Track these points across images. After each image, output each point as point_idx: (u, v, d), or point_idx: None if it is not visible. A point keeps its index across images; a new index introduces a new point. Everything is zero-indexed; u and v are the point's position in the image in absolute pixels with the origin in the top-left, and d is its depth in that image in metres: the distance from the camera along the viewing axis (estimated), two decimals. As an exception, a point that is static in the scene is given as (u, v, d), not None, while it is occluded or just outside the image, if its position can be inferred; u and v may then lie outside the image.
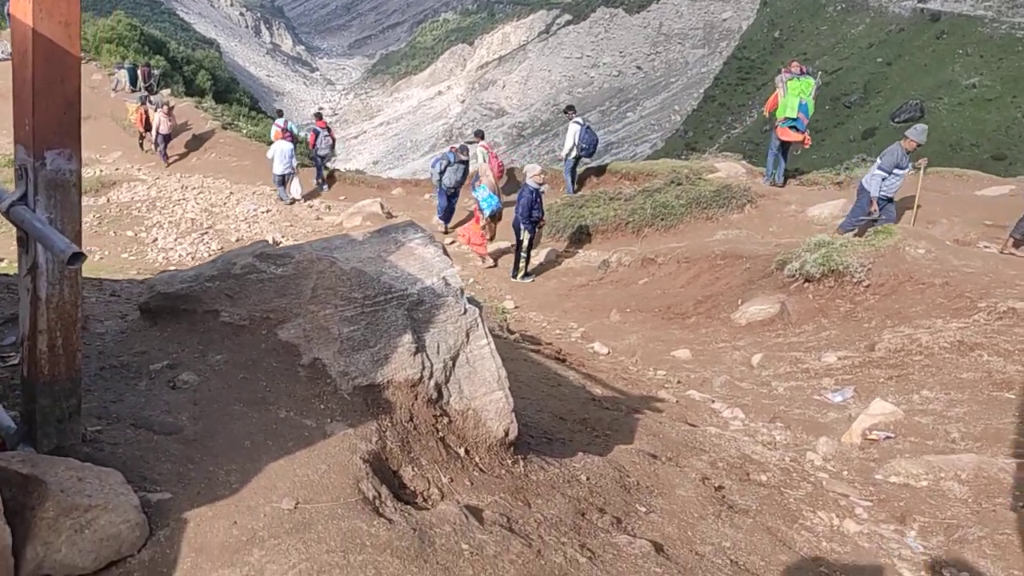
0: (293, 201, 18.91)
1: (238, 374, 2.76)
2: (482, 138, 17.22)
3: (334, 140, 20.68)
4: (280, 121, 20.93)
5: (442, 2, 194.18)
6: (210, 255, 14.37)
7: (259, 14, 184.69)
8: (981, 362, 6.04)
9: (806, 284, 8.84)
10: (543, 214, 12.85)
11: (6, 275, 3.45)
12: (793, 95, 13.29)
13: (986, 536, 3.58)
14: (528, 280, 12.89)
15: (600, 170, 18.36)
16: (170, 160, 22.45)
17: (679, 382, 7.44)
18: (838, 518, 3.79)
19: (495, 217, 13.88)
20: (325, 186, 20.48)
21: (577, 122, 16.68)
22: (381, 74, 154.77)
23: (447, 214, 16.01)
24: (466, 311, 2.94)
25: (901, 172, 10.67)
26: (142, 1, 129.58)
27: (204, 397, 2.64)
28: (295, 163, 18.96)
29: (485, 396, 2.89)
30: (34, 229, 1.81)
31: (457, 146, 16.22)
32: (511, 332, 7.17)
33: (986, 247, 10.21)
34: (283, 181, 18.90)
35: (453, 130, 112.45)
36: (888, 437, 5.10)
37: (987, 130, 57.82)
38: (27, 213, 1.90)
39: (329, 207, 18.97)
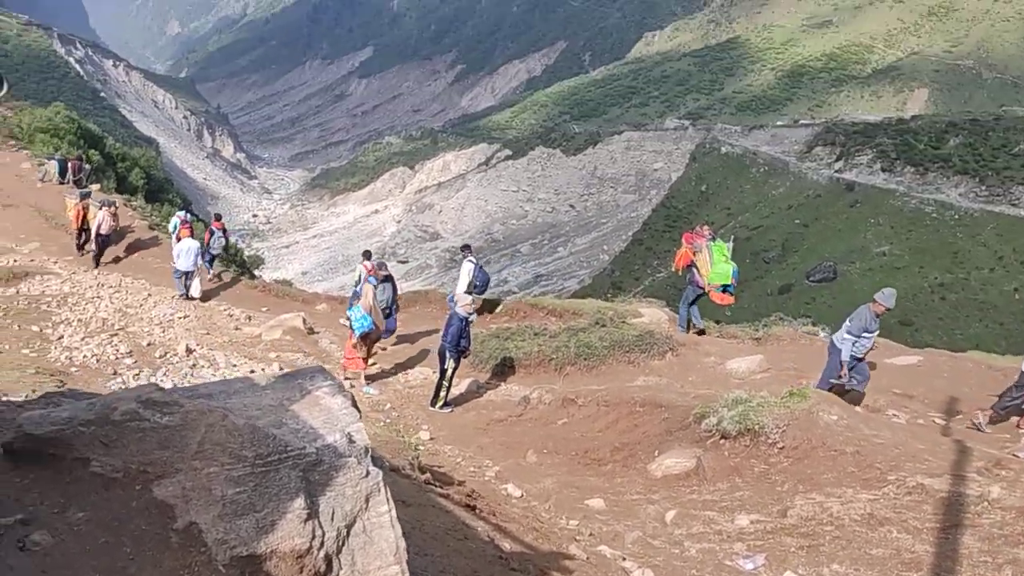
0: (191, 298, 18.87)
1: (100, 536, 2.45)
2: (368, 259, 17.71)
3: (227, 241, 22.17)
4: (181, 213, 21.65)
5: (387, 125, 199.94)
6: (117, 358, 13.74)
7: (203, 119, 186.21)
8: (890, 538, 6.02)
9: (722, 440, 8.84)
10: (470, 343, 12.76)
11: None
12: (721, 261, 13.87)
13: None
14: (447, 410, 12.62)
15: (492, 305, 18.74)
16: (101, 263, 21.15)
17: (591, 535, 7.22)
18: None
19: (366, 338, 13.59)
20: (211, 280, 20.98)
21: (471, 261, 17.04)
22: (320, 188, 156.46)
23: (389, 333, 15.72)
24: (368, 473, 2.74)
25: (870, 335, 10.89)
26: (84, 95, 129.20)
27: (55, 563, 2.32)
28: (199, 261, 19.20)
29: (380, 571, 2.64)
30: None
31: (372, 265, 15.97)
32: (421, 471, 6.91)
33: (895, 416, 10.44)
34: (183, 277, 18.94)
35: (386, 248, 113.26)
36: (799, 613, 4.97)
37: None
38: None
39: (249, 317, 18.50)
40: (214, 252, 21.23)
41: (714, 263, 13.95)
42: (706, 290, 14.29)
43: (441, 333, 12.59)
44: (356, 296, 15.39)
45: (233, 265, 26.93)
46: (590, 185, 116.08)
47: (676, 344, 13.91)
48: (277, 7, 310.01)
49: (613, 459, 9.70)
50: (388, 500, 2.70)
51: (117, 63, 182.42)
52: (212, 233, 21.26)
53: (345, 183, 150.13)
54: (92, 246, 21.23)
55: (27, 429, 2.58)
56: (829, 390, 10.43)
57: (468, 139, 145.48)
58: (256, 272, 36.21)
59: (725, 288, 14.02)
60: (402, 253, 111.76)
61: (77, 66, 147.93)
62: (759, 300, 64.56)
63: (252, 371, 13.37)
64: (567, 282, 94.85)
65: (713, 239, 14.36)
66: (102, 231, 20.77)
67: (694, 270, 14.47)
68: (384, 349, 15.90)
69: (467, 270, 16.82)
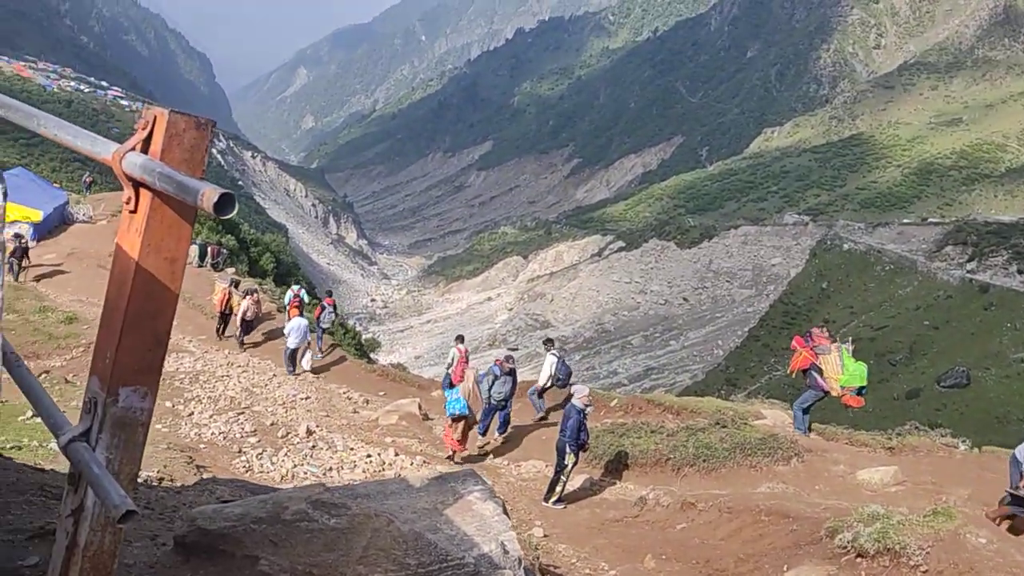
0: (301, 372, 19.99)
1: (269, 639, 2.48)
2: (461, 342, 18.66)
3: (336, 315, 23.85)
4: (295, 287, 23.20)
5: (503, 216, 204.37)
6: (242, 436, 14.21)
7: (330, 207, 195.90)
8: None
9: (859, 559, 8.28)
10: (588, 437, 12.59)
11: (40, 470, 3.31)
12: (851, 362, 13.45)
13: None
14: (560, 507, 12.39)
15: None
16: (245, 347, 22.17)
17: (716, 652, 6.83)
18: None
19: (457, 419, 14.01)
20: (320, 355, 22.25)
21: (554, 354, 17.39)
22: (436, 274, 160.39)
23: (486, 427, 15.74)
24: (523, 586, 2.70)
25: None
26: (224, 184, 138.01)
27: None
28: (308, 338, 20.30)
29: None
30: (90, 473, 1.69)
31: (502, 358, 16.21)
32: (542, 573, 6.75)
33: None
34: (293, 355, 19.99)
35: (497, 335, 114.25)
36: None
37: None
38: (86, 453, 1.79)
39: (367, 401, 18.90)
40: (324, 326, 22.46)
41: (845, 365, 13.46)
42: (836, 394, 13.73)
43: (559, 427, 12.45)
44: (448, 378, 17.25)
45: (344, 340, 28.10)
46: (704, 278, 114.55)
47: (802, 450, 13.28)
48: (404, 103, 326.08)
49: (737, 571, 9.22)
50: (542, 616, 2.64)
51: (255, 154, 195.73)
52: (323, 308, 22.56)
53: (460, 270, 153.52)
54: (236, 329, 22.34)
55: (200, 524, 2.66)
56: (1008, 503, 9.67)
57: (582, 230, 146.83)
58: (372, 355, 37.13)
59: (860, 391, 13.50)
60: (512, 341, 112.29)
61: (219, 156, 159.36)
62: (885, 404, 61.29)
63: (368, 455, 13.56)
64: (679, 376, 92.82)
65: (832, 341, 13.94)
66: (247, 317, 21.78)
67: (814, 374, 13.94)
68: (496, 441, 15.86)
69: (549, 363, 17.09)
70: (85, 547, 1.90)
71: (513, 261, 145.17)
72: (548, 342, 19.09)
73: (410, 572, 2.51)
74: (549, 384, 17.25)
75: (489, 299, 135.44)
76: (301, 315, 20.51)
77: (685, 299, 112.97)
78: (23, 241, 27.72)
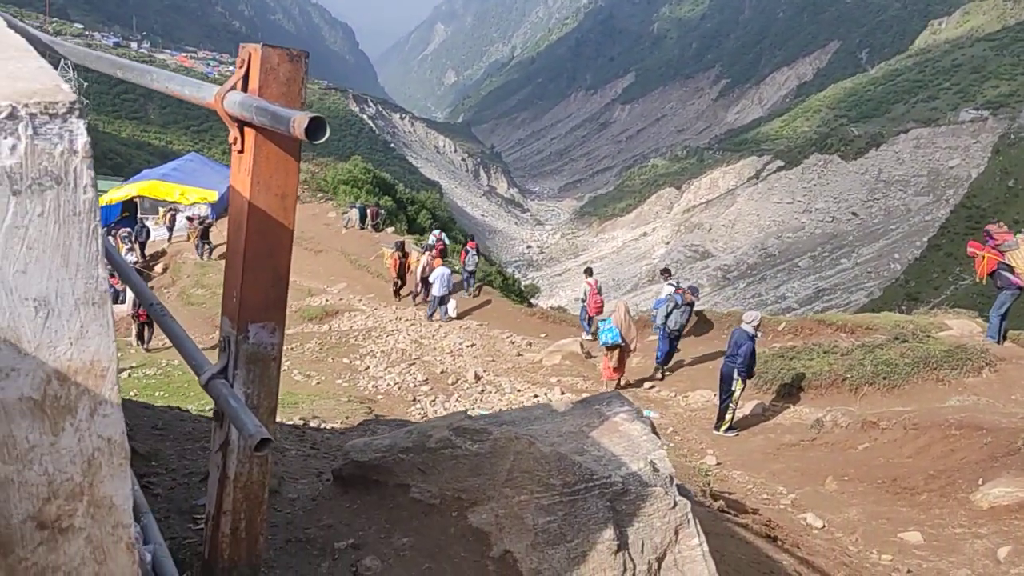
0: (449, 319, 20.70)
1: (423, 563, 2.54)
2: (590, 275, 19.98)
3: (480, 257, 24.34)
4: (437, 232, 24.53)
5: (652, 148, 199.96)
6: (415, 385, 14.81)
7: (479, 159, 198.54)
8: None
9: (1064, 468, 7.65)
10: (755, 363, 12.27)
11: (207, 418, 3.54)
12: None
13: None
14: (732, 434, 12.16)
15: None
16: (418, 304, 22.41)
17: (909, 572, 6.52)
18: None
19: (612, 348, 14.29)
20: (468, 295, 23.30)
21: (672, 284, 17.04)
22: (588, 215, 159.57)
23: (667, 358, 15.63)
24: (676, 504, 2.60)
25: None
26: (377, 147, 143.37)
27: (385, 588, 2.45)
28: (451, 286, 21.03)
29: (694, 609, 2.50)
30: (228, 406, 1.75)
31: (685, 287, 15.96)
32: (714, 498, 6.63)
33: None
34: (442, 301, 20.72)
35: (656, 271, 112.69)
36: None
37: None
38: (224, 388, 1.86)
39: (530, 344, 19.19)
40: (469, 269, 23.23)
41: None
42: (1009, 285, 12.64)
43: (727, 354, 12.16)
44: (584, 311, 19.45)
45: (503, 286, 28.83)
46: (874, 190, 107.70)
47: (994, 358, 12.35)
48: (542, 45, 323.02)
49: (928, 488, 8.73)
50: (699, 533, 2.55)
51: (403, 116, 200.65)
52: (467, 253, 23.24)
53: (612, 209, 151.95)
54: (416, 288, 22.62)
55: (353, 456, 2.77)
56: None
57: (736, 154, 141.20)
58: (533, 300, 37.58)
59: None
60: (673, 274, 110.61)
61: (370, 122, 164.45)
62: (1091, 306, 55.95)
63: (536, 396, 13.79)
64: (853, 295, 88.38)
65: (1017, 233, 12.76)
66: (425, 275, 21.67)
67: (1004, 273, 12.82)
68: (665, 375, 15.71)
69: (665, 292, 16.84)
70: (236, 478, 2.00)
71: (666, 193, 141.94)
72: (665, 272, 19.31)
73: (556, 492, 2.50)
74: (668, 314, 17.11)
75: (644, 234, 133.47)
76: (443, 263, 21.07)
77: (854, 214, 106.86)
78: (206, 221, 29.83)
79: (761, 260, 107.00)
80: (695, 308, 17.00)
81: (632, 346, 14.77)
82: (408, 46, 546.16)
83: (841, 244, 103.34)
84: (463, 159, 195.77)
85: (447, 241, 25.00)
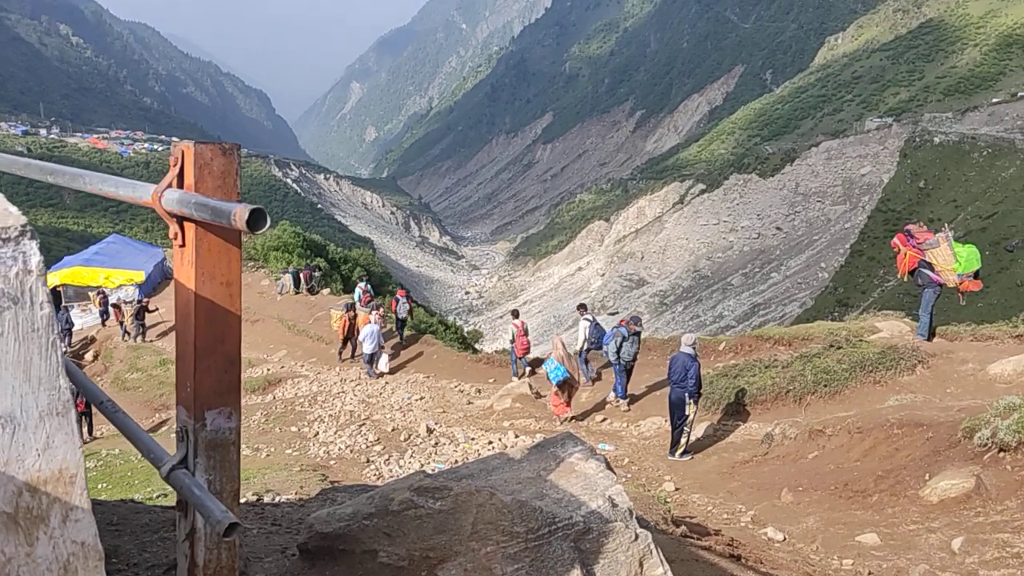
0: (381, 374, 20.68)
1: (398, 627, 2.56)
2: (516, 317, 20.23)
3: (411, 306, 24.23)
4: (362, 284, 25.36)
5: (577, 184, 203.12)
6: (367, 446, 14.63)
7: (408, 211, 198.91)
8: None
9: (1001, 453, 7.95)
10: (701, 385, 12.49)
11: (171, 508, 3.49)
12: (960, 246, 12.99)
13: None
14: (687, 458, 12.32)
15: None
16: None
17: (870, 573, 6.68)
18: None
19: (562, 384, 14.64)
20: (402, 342, 23.63)
21: (587, 319, 17.77)
22: (523, 255, 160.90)
23: (624, 389, 15.76)
24: (637, 537, 2.68)
25: None
26: (304, 209, 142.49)
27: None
28: (382, 341, 21.11)
29: (664, 638, 2.56)
30: (192, 496, 1.78)
31: (627, 319, 16.20)
32: (676, 524, 6.72)
33: None
34: (371, 359, 20.70)
35: (595, 302, 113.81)
36: None
37: None
38: (186, 478, 1.89)
39: (479, 390, 19.17)
40: (401, 316, 23.32)
41: (956, 252, 12.95)
42: (953, 284, 13.22)
43: (672, 380, 12.36)
44: (513, 353, 19.94)
45: (446, 336, 28.88)
46: (794, 203, 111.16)
47: (925, 355, 12.81)
48: (459, 94, 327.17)
49: (878, 489, 8.97)
50: (662, 562, 2.62)
51: (327, 176, 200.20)
52: (397, 301, 23.37)
53: (546, 247, 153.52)
54: (348, 354, 22.68)
55: (317, 528, 2.77)
56: None
57: (659, 181, 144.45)
58: (477, 345, 37.57)
59: (976, 274, 12.99)
60: (611, 305, 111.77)
61: (294, 185, 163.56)
62: (1008, 293, 58.42)
63: (490, 442, 13.76)
64: (787, 307, 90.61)
65: (934, 232, 13.45)
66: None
67: (925, 271, 13.41)
68: (630, 407, 15.82)
69: (583, 327, 17.50)
70: (205, 565, 2.01)
71: (596, 226, 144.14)
72: (581, 307, 19.71)
73: (520, 539, 2.55)
74: (587, 347, 17.60)
75: (580, 269, 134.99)
76: (371, 321, 21.07)
77: (779, 228, 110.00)
78: (143, 301, 29.14)
79: (695, 282, 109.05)
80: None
81: (577, 377, 15.08)
82: (325, 107, 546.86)
83: (770, 259, 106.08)
84: (392, 212, 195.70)
85: (372, 292, 25.50)
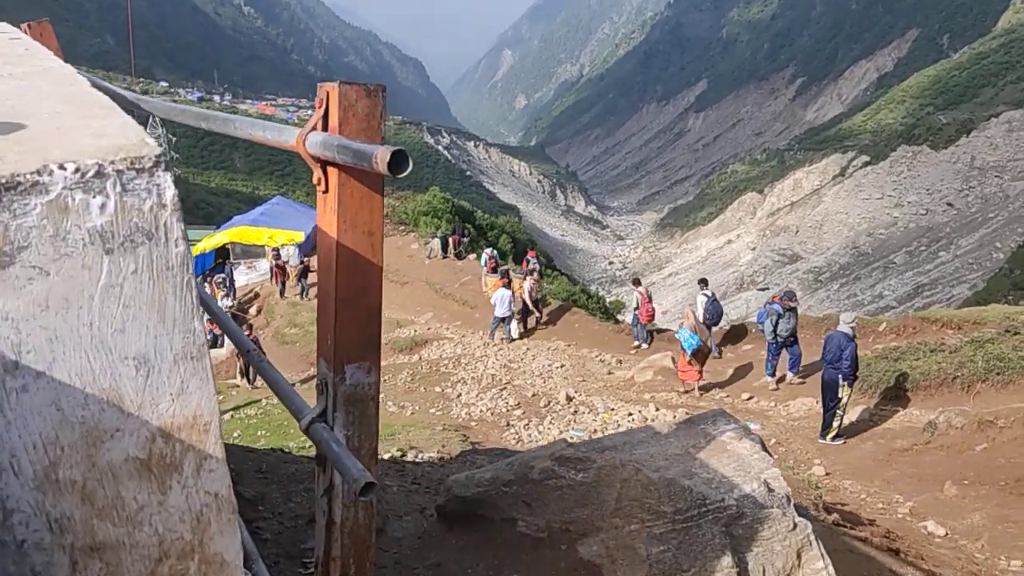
0: (513, 340, 20.80)
1: (536, 599, 2.48)
2: (638, 284, 20.40)
3: (540, 265, 24.78)
4: (488, 251, 25.50)
5: (730, 154, 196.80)
6: (508, 410, 14.78)
7: (555, 180, 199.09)
8: None
9: None
10: (857, 367, 11.84)
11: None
12: None
13: None
14: (839, 442, 11.72)
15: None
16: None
17: (1046, 580, 6.11)
18: None
19: (697, 353, 14.54)
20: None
21: (705, 294, 17.54)
22: (670, 227, 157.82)
23: (774, 368, 15.19)
24: (795, 526, 2.45)
25: None
26: (454, 176, 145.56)
27: (498, 627, 2.39)
28: (513, 307, 20.96)
29: (825, 637, 2.34)
30: (331, 451, 1.74)
31: (780, 294, 15.62)
32: (827, 511, 6.35)
33: None
34: (504, 321, 20.90)
35: (744, 277, 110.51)
36: None
37: None
38: (325, 432, 1.86)
39: (620, 361, 18.97)
40: (532, 267, 23.73)
41: None
42: None
43: (826, 360, 11.77)
44: (636, 319, 19.94)
45: (589, 304, 28.86)
46: (969, 178, 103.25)
47: (1120, 347, 11.59)
48: (611, 61, 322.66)
49: (1058, 489, 8.21)
50: (823, 555, 2.39)
51: (477, 143, 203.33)
52: (528, 262, 24.06)
53: (694, 218, 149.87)
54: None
55: (456, 492, 2.72)
56: None
57: (818, 152, 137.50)
58: (619, 316, 37.22)
59: None
60: (761, 280, 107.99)
61: (445, 152, 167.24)
62: None
63: (630, 414, 13.58)
64: (955, 289, 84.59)
65: None
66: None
67: None
68: (794, 382, 15.21)
69: (700, 303, 17.28)
70: (342, 523, 1.98)
71: (748, 198, 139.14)
72: (702, 281, 19.40)
73: (667, 519, 2.39)
74: (702, 324, 17.01)
75: (729, 242, 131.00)
76: (506, 286, 21.01)
77: (949, 204, 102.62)
78: (305, 261, 30.64)
79: (854, 259, 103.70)
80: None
81: (709, 344, 15.28)
82: (477, 75, 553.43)
83: (938, 237, 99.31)
84: (539, 181, 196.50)
85: (499, 259, 25.99)
